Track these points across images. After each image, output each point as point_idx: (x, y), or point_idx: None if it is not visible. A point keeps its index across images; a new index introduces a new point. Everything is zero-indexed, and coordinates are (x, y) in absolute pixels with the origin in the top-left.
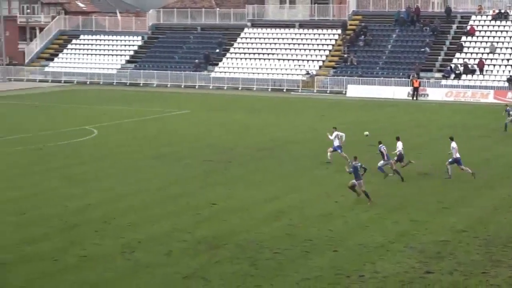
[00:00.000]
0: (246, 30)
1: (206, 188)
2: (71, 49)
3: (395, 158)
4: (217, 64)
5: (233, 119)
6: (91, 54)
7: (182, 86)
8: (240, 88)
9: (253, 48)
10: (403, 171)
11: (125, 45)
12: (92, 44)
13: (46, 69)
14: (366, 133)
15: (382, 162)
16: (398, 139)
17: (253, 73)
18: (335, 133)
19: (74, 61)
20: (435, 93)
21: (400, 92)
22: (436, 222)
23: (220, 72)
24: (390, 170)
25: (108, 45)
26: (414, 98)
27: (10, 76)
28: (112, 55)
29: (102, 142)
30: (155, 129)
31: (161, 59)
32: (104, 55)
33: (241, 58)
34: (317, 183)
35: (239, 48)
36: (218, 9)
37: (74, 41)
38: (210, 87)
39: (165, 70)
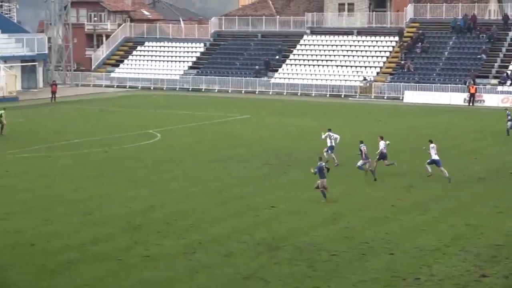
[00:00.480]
0: (305, 37)
1: (266, 191)
2: (136, 55)
3: (377, 157)
4: (276, 70)
5: (292, 123)
6: (155, 61)
7: (243, 91)
8: (299, 94)
9: (312, 55)
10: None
11: (188, 52)
12: (156, 51)
13: (112, 74)
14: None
15: (361, 161)
16: (381, 138)
17: (312, 79)
18: (327, 133)
19: (139, 67)
20: (491, 99)
21: (456, 98)
22: (491, 227)
23: (280, 78)
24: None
25: (172, 51)
26: (470, 104)
27: (77, 82)
28: (175, 61)
29: (165, 146)
30: (217, 133)
31: (222, 65)
32: (168, 61)
33: (300, 65)
34: (374, 186)
35: (298, 54)
36: (278, 16)
37: (139, 47)
38: (270, 92)
39: (226, 76)
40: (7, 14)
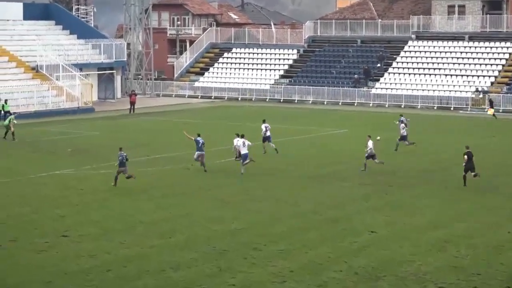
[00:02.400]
0: (410, 43)
1: (365, 213)
2: (222, 63)
3: (366, 155)
4: (378, 80)
5: (396, 139)
6: (243, 69)
7: (340, 103)
8: (402, 106)
9: (417, 63)
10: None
11: (279, 59)
12: (244, 58)
13: (196, 84)
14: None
15: None
16: (369, 137)
17: (418, 90)
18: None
19: (225, 75)
20: None
21: None
22: None
23: (381, 88)
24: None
25: (262, 59)
26: None
27: (158, 92)
28: (266, 69)
29: (258, 163)
30: (311, 149)
31: (317, 74)
32: (257, 69)
33: (404, 73)
34: (487, 211)
35: (402, 62)
36: (380, 20)
37: (225, 54)
38: (370, 104)
39: (321, 86)
40: (83, 18)
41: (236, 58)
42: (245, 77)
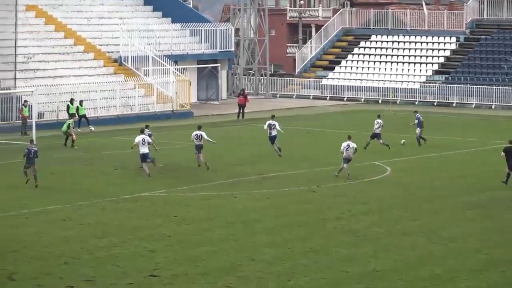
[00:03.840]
0: None
1: None
2: (358, 54)
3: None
4: None
5: None
6: (385, 62)
7: None
8: None
9: None
10: None
11: (432, 50)
12: (386, 48)
13: (324, 81)
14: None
15: None
16: (349, 138)
17: None
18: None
19: (362, 71)
20: None
21: None
22: None
23: None
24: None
25: (409, 49)
26: None
27: (274, 91)
28: (415, 63)
29: (395, 184)
30: (469, 167)
31: (482, 69)
32: (403, 63)
33: None
34: None
35: None
36: None
37: (362, 43)
38: None
39: (488, 85)
40: None
41: (375, 48)
42: (388, 73)
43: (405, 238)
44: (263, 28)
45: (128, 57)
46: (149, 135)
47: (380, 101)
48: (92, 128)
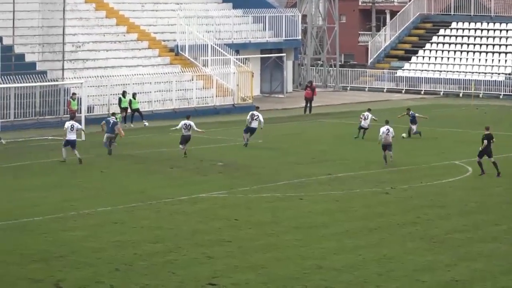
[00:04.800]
0: None
1: None
2: (437, 43)
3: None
4: None
5: None
6: (467, 51)
7: None
8: None
9: None
10: None
11: None
12: (469, 36)
13: (399, 73)
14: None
15: None
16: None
17: None
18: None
19: (441, 61)
20: None
21: None
22: None
23: None
24: None
25: (494, 37)
26: None
27: (345, 83)
28: (499, 52)
29: (477, 185)
30: None
31: None
32: (487, 52)
33: None
34: None
35: None
36: None
37: (441, 31)
38: None
39: None
40: None
41: (457, 36)
42: (470, 63)
43: (488, 245)
44: (332, 14)
45: (185, 46)
46: (115, 123)
47: (461, 95)
48: (146, 123)
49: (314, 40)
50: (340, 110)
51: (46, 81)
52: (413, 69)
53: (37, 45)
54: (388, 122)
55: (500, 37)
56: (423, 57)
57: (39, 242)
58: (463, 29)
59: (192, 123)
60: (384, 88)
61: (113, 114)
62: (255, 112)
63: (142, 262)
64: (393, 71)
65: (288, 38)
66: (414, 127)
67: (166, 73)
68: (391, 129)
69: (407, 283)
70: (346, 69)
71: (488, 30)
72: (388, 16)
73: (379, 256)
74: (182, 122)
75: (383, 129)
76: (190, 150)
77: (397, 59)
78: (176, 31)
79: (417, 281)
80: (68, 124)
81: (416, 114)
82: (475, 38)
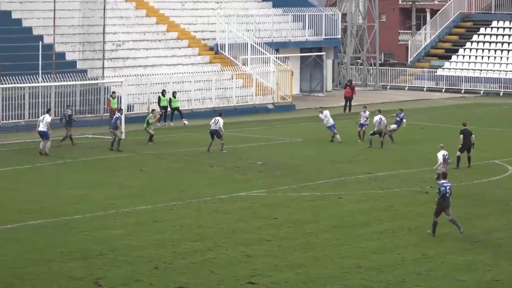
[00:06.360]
0: None
1: None
2: (477, 42)
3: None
4: None
5: None
6: (507, 50)
7: None
8: None
9: None
10: None
11: None
12: (509, 35)
13: (439, 72)
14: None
15: None
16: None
17: None
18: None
19: (481, 60)
20: None
21: None
22: None
23: None
24: None
25: None
26: None
27: (385, 82)
28: None
29: None
30: None
31: None
32: None
33: None
34: None
35: None
36: None
37: (482, 30)
38: None
39: None
40: None
41: (497, 35)
42: (510, 62)
43: None
44: (372, 13)
45: (225, 44)
46: (70, 115)
47: (501, 94)
48: (186, 122)
49: (354, 39)
50: (379, 109)
51: (86, 79)
52: (453, 68)
53: (78, 44)
54: (380, 111)
55: None
56: (463, 56)
57: (79, 240)
58: (504, 28)
59: (220, 120)
60: (424, 87)
61: (152, 111)
62: (218, 118)
63: (182, 261)
64: (433, 70)
65: (328, 37)
66: (393, 126)
67: (205, 71)
68: (383, 118)
69: (447, 282)
70: (385, 68)
71: None
72: (428, 15)
73: (418, 256)
74: (213, 119)
75: (376, 118)
76: (229, 149)
77: (437, 58)
78: (216, 29)
79: (456, 281)
80: (41, 117)
81: (404, 120)
82: None
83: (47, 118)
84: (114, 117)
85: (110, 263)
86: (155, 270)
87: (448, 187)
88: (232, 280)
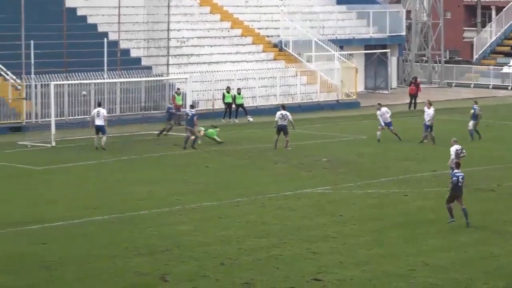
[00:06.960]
0: None
1: None
2: None
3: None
4: None
5: None
6: None
7: None
8: None
9: None
10: None
11: None
12: None
13: (505, 69)
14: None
15: None
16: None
17: None
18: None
19: None
20: None
21: None
22: None
23: None
24: None
25: None
26: None
27: (450, 79)
28: None
29: None
30: None
31: None
32: None
33: None
34: None
35: None
36: None
37: None
38: None
39: None
40: None
41: None
42: None
43: None
44: (437, 10)
45: (289, 41)
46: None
47: None
48: (251, 119)
49: (419, 36)
50: (445, 107)
51: (151, 76)
52: None
53: (142, 41)
54: (380, 104)
55: None
56: None
57: (145, 236)
58: None
59: (288, 114)
60: (490, 85)
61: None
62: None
63: (247, 257)
64: (499, 67)
65: (392, 34)
66: (471, 123)
67: (270, 68)
68: (388, 111)
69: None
70: (451, 65)
71: None
72: (493, 12)
73: (485, 254)
74: (278, 113)
75: (383, 109)
76: (293, 146)
77: (503, 55)
78: (280, 26)
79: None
80: (95, 111)
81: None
82: None
83: (103, 111)
84: (190, 114)
85: (176, 258)
86: (221, 266)
87: (460, 177)
88: (297, 277)
